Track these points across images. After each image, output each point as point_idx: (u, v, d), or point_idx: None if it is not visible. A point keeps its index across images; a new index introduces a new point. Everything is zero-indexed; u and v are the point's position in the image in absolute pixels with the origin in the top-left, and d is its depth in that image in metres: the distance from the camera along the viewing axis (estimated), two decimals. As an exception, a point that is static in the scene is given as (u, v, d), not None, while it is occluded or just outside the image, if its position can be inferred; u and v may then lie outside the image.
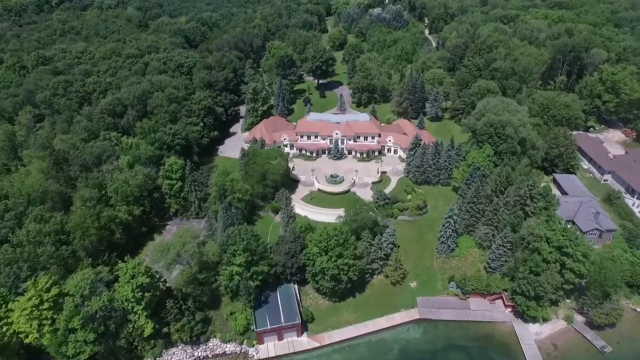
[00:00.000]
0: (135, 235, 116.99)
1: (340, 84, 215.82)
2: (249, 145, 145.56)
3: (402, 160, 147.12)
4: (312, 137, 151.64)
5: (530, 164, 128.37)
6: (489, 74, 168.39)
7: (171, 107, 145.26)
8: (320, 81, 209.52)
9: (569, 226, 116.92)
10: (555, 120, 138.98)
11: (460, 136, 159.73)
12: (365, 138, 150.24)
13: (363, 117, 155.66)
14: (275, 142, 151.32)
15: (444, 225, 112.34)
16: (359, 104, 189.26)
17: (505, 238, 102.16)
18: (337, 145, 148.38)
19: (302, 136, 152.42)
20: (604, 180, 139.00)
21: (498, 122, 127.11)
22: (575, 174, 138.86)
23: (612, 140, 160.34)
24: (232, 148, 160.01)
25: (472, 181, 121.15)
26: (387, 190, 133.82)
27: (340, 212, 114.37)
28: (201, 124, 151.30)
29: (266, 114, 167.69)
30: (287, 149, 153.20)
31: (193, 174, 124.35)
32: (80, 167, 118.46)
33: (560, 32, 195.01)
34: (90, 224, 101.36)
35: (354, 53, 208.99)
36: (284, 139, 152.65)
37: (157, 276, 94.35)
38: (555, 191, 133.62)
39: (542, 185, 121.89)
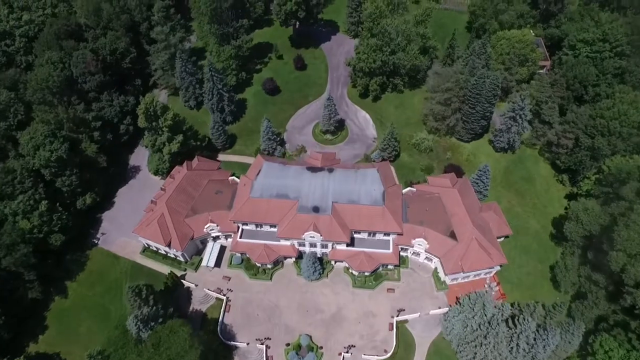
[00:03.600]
0: None
1: (334, 30, 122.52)
2: (125, 298, 71.08)
3: (440, 284, 74.86)
4: (267, 226, 76.66)
5: None
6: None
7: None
8: (298, 26, 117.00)
9: None
10: None
11: (552, 194, 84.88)
12: (372, 235, 75.24)
13: (368, 185, 75.42)
14: (192, 237, 77.09)
15: None
16: (364, 94, 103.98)
17: None
18: (313, 258, 74.34)
19: (245, 224, 77.27)
20: None
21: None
22: None
23: None
24: (127, 218, 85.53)
25: None
26: (409, 386, 66.98)
27: None
28: (44, 203, 74.87)
29: (182, 155, 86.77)
30: (219, 242, 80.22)
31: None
32: None
33: None
34: None
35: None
36: (211, 230, 77.95)
37: None
38: None
39: None
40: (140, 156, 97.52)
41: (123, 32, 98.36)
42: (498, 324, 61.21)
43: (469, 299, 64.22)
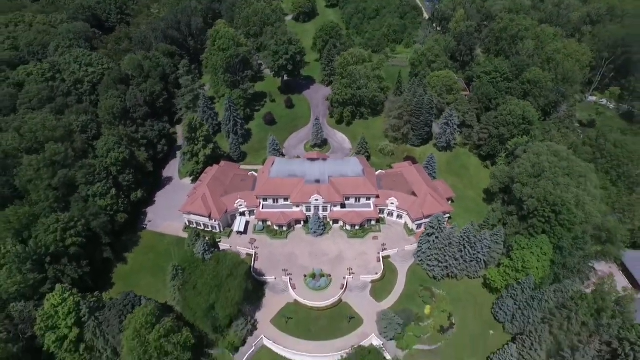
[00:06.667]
0: None
1: (312, 81, 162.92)
2: (187, 239, 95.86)
3: (409, 232, 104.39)
4: (281, 200, 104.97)
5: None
6: (521, 88, 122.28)
7: (58, 177, 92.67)
8: (286, 78, 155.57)
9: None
10: (631, 182, 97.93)
11: (481, 175, 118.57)
12: (358, 199, 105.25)
13: (352, 165, 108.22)
14: (226, 211, 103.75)
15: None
16: (340, 121, 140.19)
17: None
18: (318, 216, 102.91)
19: (265, 199, 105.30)
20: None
21: (560, 200, 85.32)
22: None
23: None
24: (166, 211, 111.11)
25: (520, 294, 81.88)
26: (395, 295, 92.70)
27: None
28: (113, 190, 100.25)
29: (211, 159, 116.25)
30: (245, 217, 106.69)
31: (97, 315, 77.69)
32: None
33: (600, 12, 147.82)
34: None
35: (332, 43, 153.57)
36: (240, 205, 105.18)
37: None
38: (620, 279, 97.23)
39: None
40: (171, 170, 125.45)
41: (158, 80, 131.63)
42: (450, 235, 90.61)
43: (430, 221, 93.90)
